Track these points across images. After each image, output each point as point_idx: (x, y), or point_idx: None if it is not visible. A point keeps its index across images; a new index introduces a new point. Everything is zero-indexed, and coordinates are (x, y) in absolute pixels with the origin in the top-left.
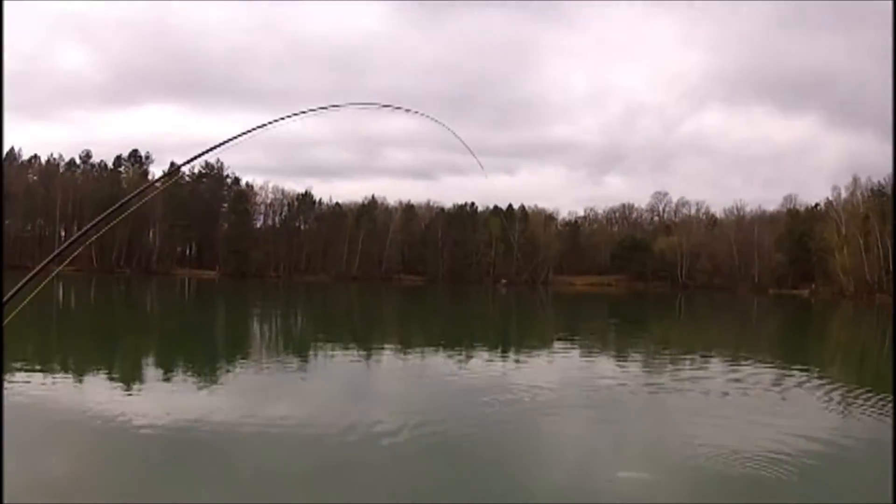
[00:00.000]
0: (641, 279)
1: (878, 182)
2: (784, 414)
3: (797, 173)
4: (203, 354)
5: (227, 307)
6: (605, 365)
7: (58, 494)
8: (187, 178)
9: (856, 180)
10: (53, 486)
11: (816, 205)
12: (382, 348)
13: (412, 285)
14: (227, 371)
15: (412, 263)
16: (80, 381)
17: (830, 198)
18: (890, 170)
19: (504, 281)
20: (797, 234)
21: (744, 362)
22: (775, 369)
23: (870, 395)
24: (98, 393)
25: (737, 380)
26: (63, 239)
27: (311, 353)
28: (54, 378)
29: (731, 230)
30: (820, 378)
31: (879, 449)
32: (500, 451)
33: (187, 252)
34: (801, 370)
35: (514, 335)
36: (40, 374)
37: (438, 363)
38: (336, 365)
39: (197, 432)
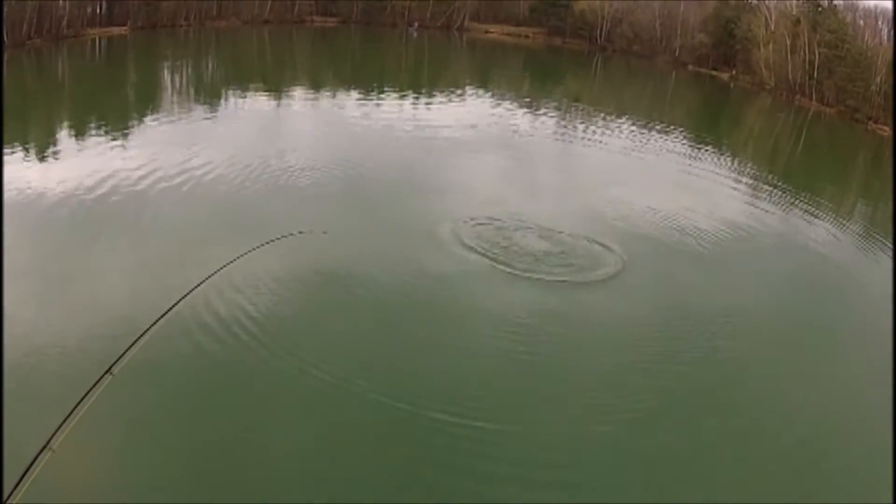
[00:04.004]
0: (559, 35)
1: None
2: (693, 187)
3: None
4: (115, 113)
5: (137, 61)
6: (518, 113)
7: None
8: None
9: None
10: None
11: None
12: (294, 91)
13: (325, 27)
14: (140, 127)
15: (325, 5)
16: None
17: None
18: None
19: (416, 24)
20: (724, 19)
21: (656, 129)
22: (688, 142)
23: (777, 188)
24: (12, 169)
25: (648, 144)
26: None
27: (222, 99)
28: None
29: (657, 3)
30: (731, 160)
31: (783, 243)
32: (412, 185)
33: (98, 11)
34: (714, 149)
35: (427, 79)
36: None
37: (350, 104)
38: (248, 110)
39: (112, 193)
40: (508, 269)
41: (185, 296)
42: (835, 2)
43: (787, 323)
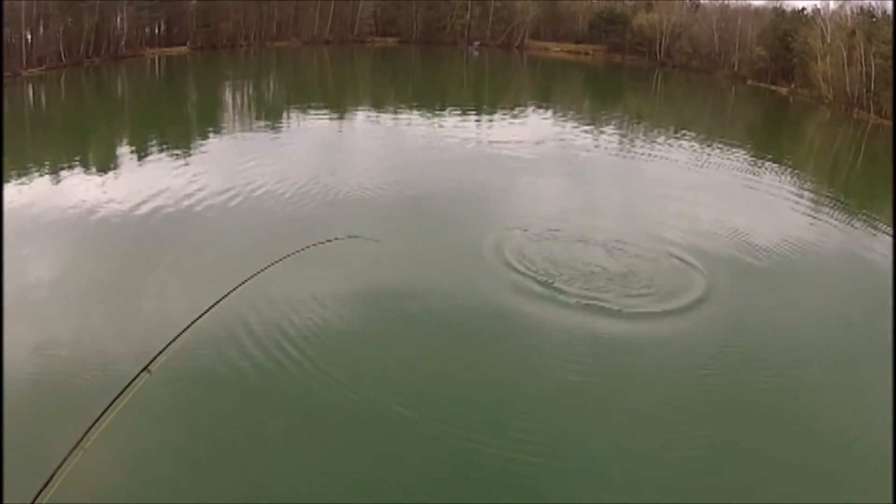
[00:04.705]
0: (619, 51)
1: (869, 4)
2: (756, 201)
3: None
4: (175, 131)
5: (198, 80)
6: (579, 130)
7: (47, 285)
8: None
9: None
10: (43, 279)
11: (803, 9)
12: (355, 110)
13: (385, 47)
14: (200, 145)
15: (385, 25)
16: (56, 178)
17: (818, 5)
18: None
19: (477, 43)
20: (781, 31)
21: (718, 145)
22: (748, 157)
23: (838, 202)
24: (73, 186)
25: (709, 160)
26: (30, 43)
27: (283, 118)
28: (29, 179)
29: (714, 16)
30: (792, 174)
31: (847, 258)
32: (472, 201)
33: (156, 31)
34: (774, 162)
35: (488, 97)
36: (14, 179)
37: (411, 122)
38: (310, 129)
39: (166, 207)
40: (568, 288)
41: (226, 296)
42: (888, 12)
43: (858, 347)
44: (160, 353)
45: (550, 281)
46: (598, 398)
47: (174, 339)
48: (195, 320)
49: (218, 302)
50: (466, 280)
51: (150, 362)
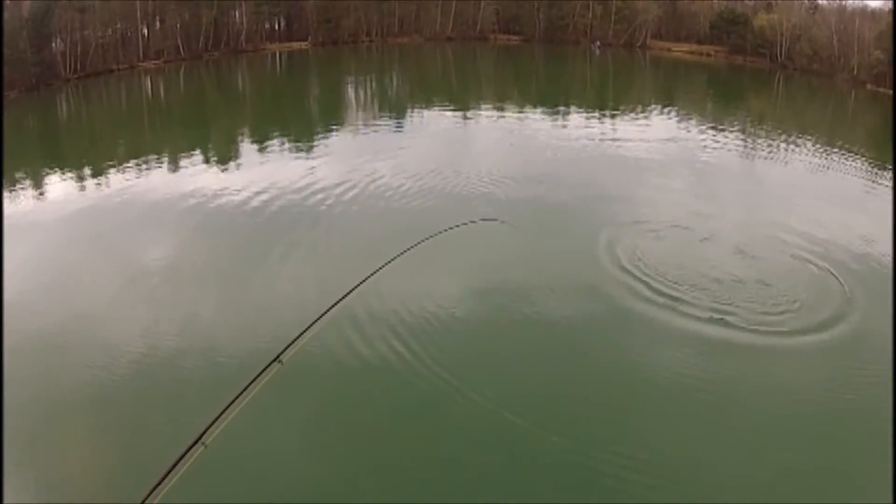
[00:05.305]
0: (740, 53)
1: None
2: (880, 207)
3: None
4: (297, 124)
5: (319, 75)
6: (702, 131)
7: (165, 268)
8: None
9: None
10: (159, 261)
11: None
12: (479, 107)
13: (508, 45)
14: (322, 138)
15: (508, 23)
16: (175, 167)
17: None
18: None
19: (598, 43)
20: None
21: (838, 151)
22: (869, 164)
23: None
24: (193, 175)
25: (831, 164)
26: (146, 38)
27: (406, 113)
28: (148, 169)
29: (833, 17)
30: None
31: None
32: (597, 201)
33: (276, 27)
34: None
35: (611, 97)
36: (133, 168)
37: (535, 122)
38: (432, 124)
39: (291, 201)
40: (690, 295)
41: (358, 285)
42: None
43: None
44: (292, 342)
45: (672, 286)
46: (717, 417)
47: (307, 329)
48: (327, 310)
49: (350, 292)
50: (586, 283)
51: (282, 352)
